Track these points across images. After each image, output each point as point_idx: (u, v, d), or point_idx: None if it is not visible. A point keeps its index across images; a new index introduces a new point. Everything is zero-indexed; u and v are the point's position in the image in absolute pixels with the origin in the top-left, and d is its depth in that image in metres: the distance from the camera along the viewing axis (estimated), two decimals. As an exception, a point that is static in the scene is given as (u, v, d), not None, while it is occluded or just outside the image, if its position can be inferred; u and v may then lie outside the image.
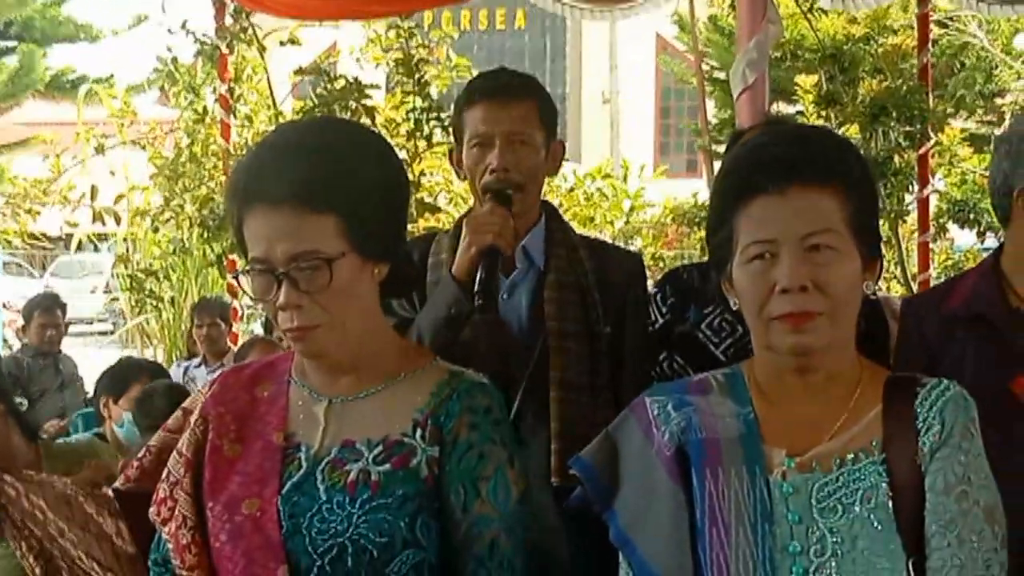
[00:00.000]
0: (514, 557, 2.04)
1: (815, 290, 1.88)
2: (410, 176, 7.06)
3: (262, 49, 7.97)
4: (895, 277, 9.21)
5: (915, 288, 7.25)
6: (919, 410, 1.92)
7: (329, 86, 7.09)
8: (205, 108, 8.56)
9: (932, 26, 8.55)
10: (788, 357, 1.94)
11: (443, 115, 7.32)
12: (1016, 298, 2.81)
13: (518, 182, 2.86)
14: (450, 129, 3.04)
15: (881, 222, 8.76)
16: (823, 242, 1.90)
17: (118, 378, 5.16)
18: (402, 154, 7.29)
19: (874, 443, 1.92)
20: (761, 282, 1.91)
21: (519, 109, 2.89)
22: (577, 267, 2.94)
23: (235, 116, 7.57)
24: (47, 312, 8.31)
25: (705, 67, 10.82)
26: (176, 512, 2.08)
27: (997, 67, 12.18)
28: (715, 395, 2.03)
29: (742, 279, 1.94)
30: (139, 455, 2.31)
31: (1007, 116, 11.49)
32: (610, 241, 7.53)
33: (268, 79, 8.29)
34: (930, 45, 7.18)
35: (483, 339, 2.80)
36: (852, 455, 1.92)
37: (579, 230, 9.51)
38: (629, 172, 12.09)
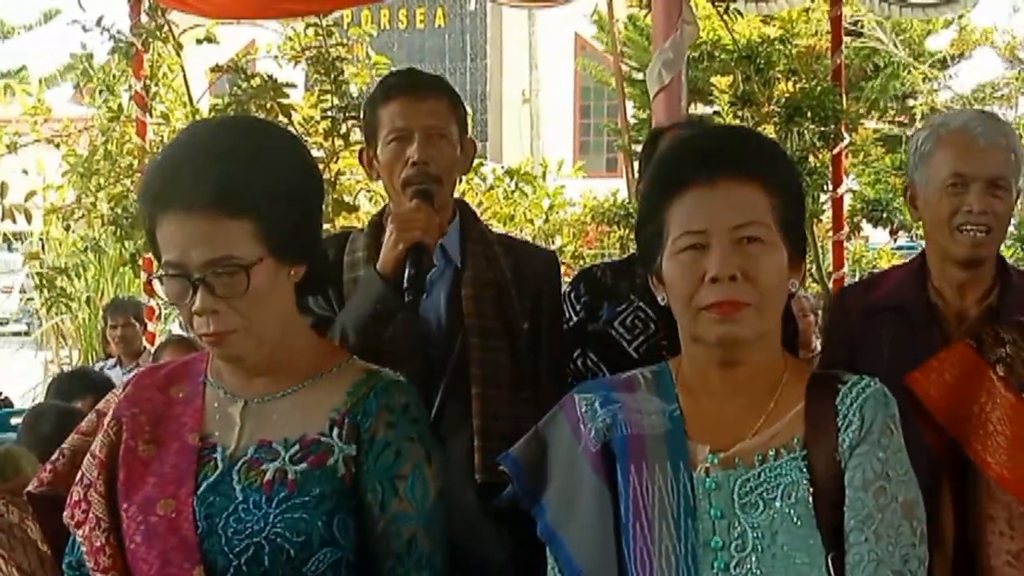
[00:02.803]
0: (433, 554, 2.05)
1: (744, 280, 1.91)
2: (327, 175, 7.06)
3: (178, 47, 7.87)
4: (810, 275, 9.35)
5: (830, 285, 7.35)
6: (840, 407, 1.94)
7: (245, 84, 7.03)
8: (120, 106, 8.44)
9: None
10: (715, 349, 1.96)
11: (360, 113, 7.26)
12: (935, 292, 2.87)
13: (437, 175, 2.87)
14: (366, 130, 3.02)
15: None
16: (752, 234, 1.93)
17: (64, 389, 5.08)
18: (319, 153, 7.23)
19: (796, 440, 1.94)
20: (691, 272, 1.93)
21: (435, 104, 2.91)
22: (494, 264, 2.95)
23: (151, 114, 7.46)
24: None
25: (624, 67, 10.89)
26: (90, 514, 2.06)
27: (907, 69, 12.42)
28: (642, 392, 2.05)
29: (672, 270, 1.96)
30: (52, 458, 2.28)
31: (918, 117, 11.71)
32: (525, 239, 7.54)
33: (184, 77, 8.20)
34: (843, 47, 7.28)
35: (404, 338, 2.81)
36: (774, 451, 1.94)
37: (498, 228, 9.50)
38: (548, 171, 12.12)
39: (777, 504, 1.90)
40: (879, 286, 3.07)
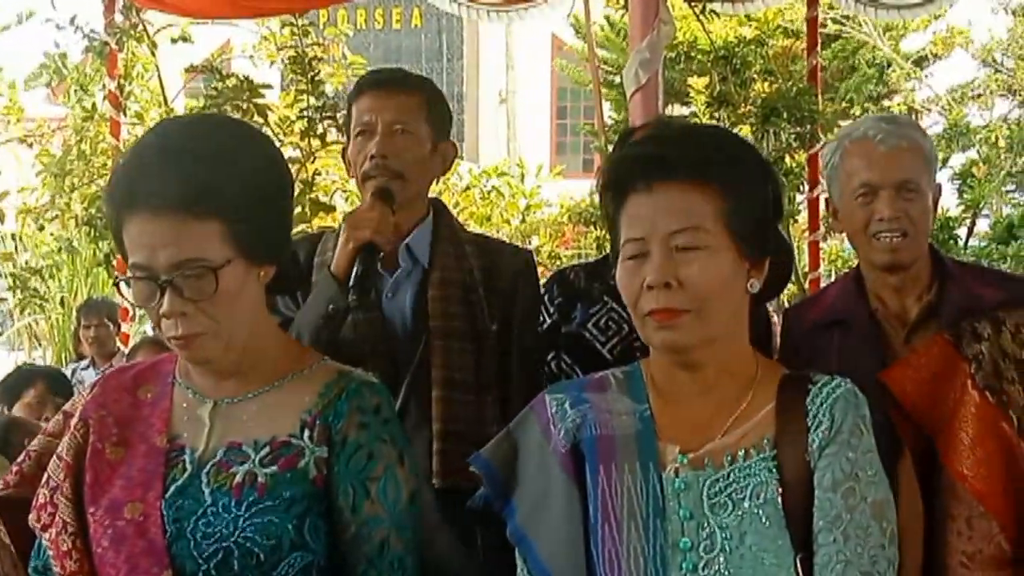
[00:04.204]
0: (405, 557, 2.03)
1: (679, 287, 1.90)
2: (304, 175, 7.03)
3: (153, 46, 7.83)
4: (786, 275, 9.35)
5: (806, 286, 7.36)
6: (810, 407, 1.94)
7: (221, 84, 6.99)
8: (94, 105, 8.40)
9: (829, 23, 8.64)
10: (666, 353, 1.97)
11: (338, 114, 7.26)
12: (874, 299, 2.88)
13: (397, 171, 2.83)
14: (344, 128, 3.02)
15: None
16: (687, 241, 1.92)
17: (11, 385, 5.04)
18: (296, 153, 7.21)
19: (766, 440, 1.94)
20: (634, 279, 1.94)
21: (404, 99, 2.88)
22: (463, 264, 2.92)
23: (125, 113, 7.41)
24: None
25: (600, 68, 10.88)
26: (56, 518, 2.03)
27: (890, 66, 12.45)
28: (613, 392, 2.05)
29: (619, 277, 1.98)
30: (19, 460, 2.25)
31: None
32: (502, 239, 7.53)
33: (159, 76, 8.17)
34: (819, 47, 7.29)
35: (368, 340, 2.78)
36: (744, 451, 1.93)
37: (475, 228, 9.48)
38: (526, 171, 12.12)
39: (746, 504, 1.90)
40: (821, 302, 3.09)
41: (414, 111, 2.88)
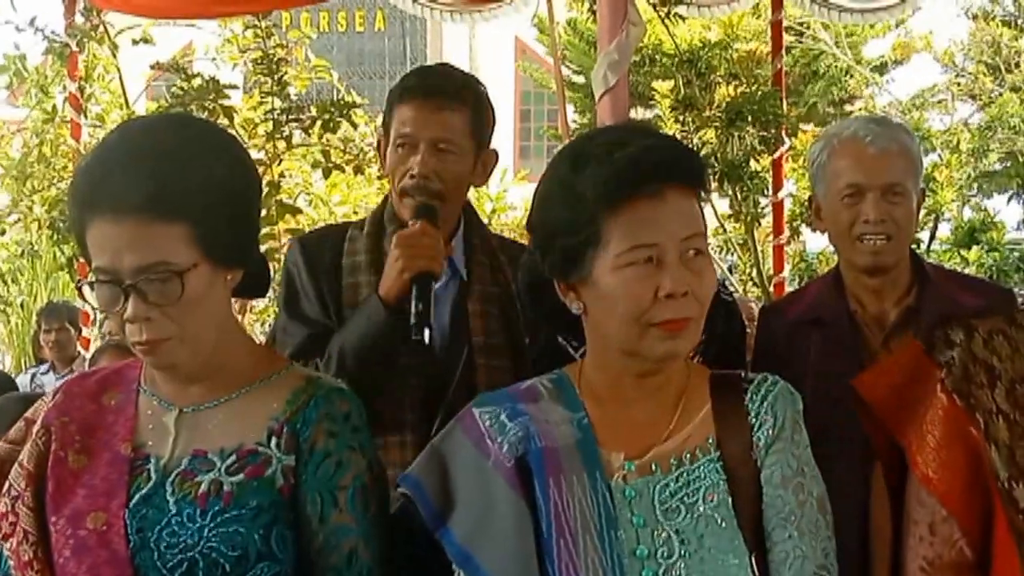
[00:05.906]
0: (373, 567, 2.00)
1: (691, 296, 1.88)
2: (269, 178, 6.97)
3: (114, 47, 7.77)
4: (751, 279, 9.38)
5: (771, 289, 7.37)
6: (750, 406, 1.95)
7: (186, 84, 6.93)
8: (55, 107, 8.34)
9: (786, 34, 8.65)
10: (648, 363, 1.93)
11: (303, 116, 7.23)
12: (853, 301, 2.88)
13: (438, 191, 2.72)
14: (385, 126, 2.85)
15: (737, 225, 8.97)
16: (698, 246, 1.90)
17: None
18: (261, 155, 7.16)
19: (709, 440, 1.94)
20: (643, 287, 1.87)
21: (450, 116, 2.74)
22: (499, 275, 2.81)
23: (86, 116, 7.35)
24: None
25: (564, 71, 10.87)
26: (17, 527, 1.98)
27: (848, 72, 12.51)
28: (546, 402, 2.02)
29: (615, 284, 1.88)
30: (-21, 468, 2.20)
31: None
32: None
33: (120, 78, 8.10)
34: (784, 52, 7.30)
35: (412, 368, 2.67)
36: (689, 454, 1.93)
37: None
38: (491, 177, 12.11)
39: (700, 507, 1.90)
40: (799, 301, 3.10)
41: (457, 127, 2.75)
